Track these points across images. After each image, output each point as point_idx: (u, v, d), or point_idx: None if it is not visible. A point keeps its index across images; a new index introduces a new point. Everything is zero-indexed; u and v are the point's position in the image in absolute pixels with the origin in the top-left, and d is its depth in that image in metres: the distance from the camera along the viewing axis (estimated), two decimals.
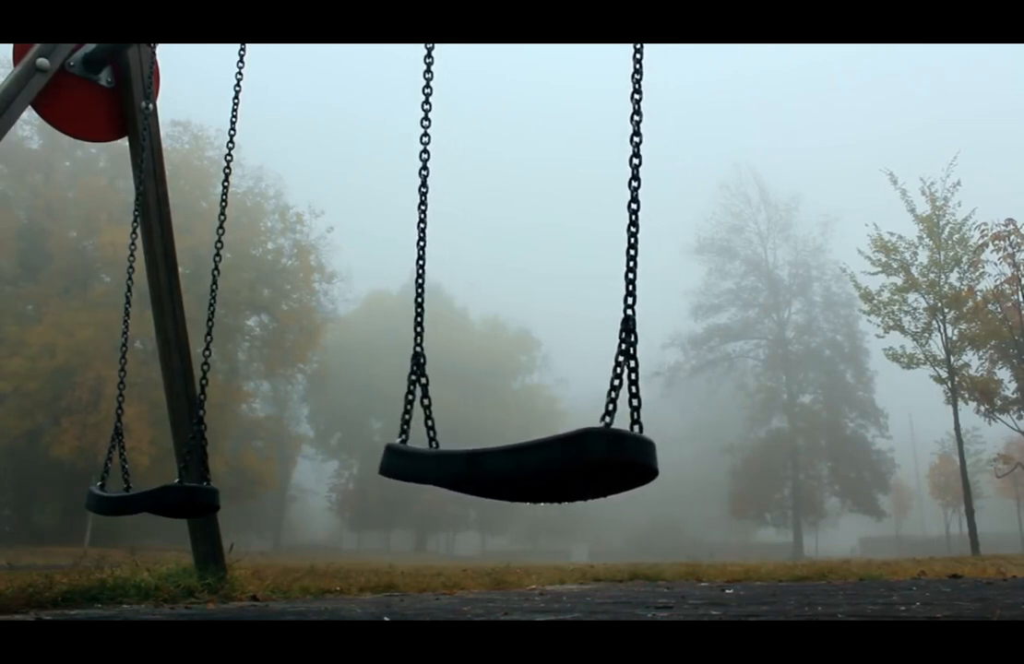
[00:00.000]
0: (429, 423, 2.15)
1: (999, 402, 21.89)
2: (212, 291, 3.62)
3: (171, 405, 4.59)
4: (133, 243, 4.05)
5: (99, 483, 3.73)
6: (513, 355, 60.96)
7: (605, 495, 1.89)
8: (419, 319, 2.28)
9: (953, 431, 22.11)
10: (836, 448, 46.46)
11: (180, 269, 4.79)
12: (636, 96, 1.97)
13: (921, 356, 22.19)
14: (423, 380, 2.17)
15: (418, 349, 2.20)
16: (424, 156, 2.43)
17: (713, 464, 48.84)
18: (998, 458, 26.12)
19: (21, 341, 29.05)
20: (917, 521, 63.40)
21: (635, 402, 1.73)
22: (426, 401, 2.16)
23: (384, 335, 55.71)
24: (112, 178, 33.08)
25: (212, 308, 3.61)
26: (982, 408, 22.11)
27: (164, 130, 4.97)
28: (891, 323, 22.55)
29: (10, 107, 3.95)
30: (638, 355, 1.77)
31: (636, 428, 1.71)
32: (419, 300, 2.31)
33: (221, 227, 3.62)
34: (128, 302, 4.04)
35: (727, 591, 5.17)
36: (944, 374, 21.84)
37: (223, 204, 3.64)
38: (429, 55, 2.47)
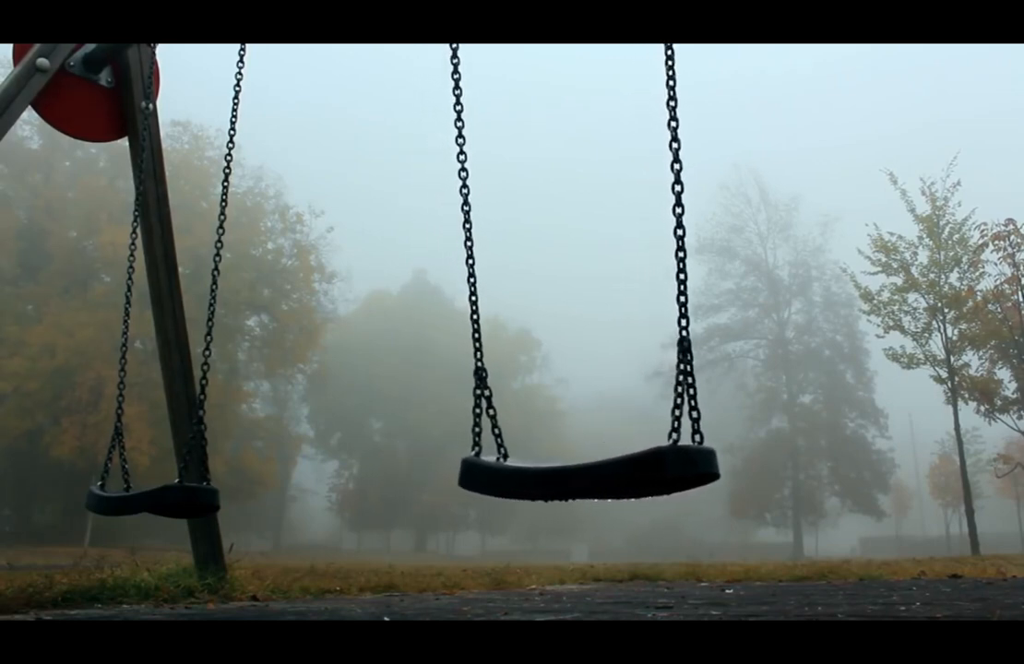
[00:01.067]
0: (496, 431, 2.20)
1: (999, 402, 21.89)
2: (212, 291, 3.61)
3: (171, 405, 4.59)
4: (133, 243, 4.05)
5: (99, 483, 3.73)
6: (513, 355, 60.92)
7: (668, 493, 2.00)
8: (477, 335, 2.34)
9: (953, 431, 22.11)
10: (836, 448, 46.45)
11: (180, 269, 4.79)
12: (673, 123, 2.02)
13: (921, 356, 22.20)
14: (487, 392, 2.22)
15: (479, 363, 2.25)
16: (463, 174, 2.44)
17: None
18: (998, 458, 26.13)
19: (21, 341, 29.06)
20: (917, 521, 63.39)
21: (694, 415, 1.87)
22: (492, 412, 2.21)
23: (384, 335, 55.72)
24: (112, 178, 33.09)
25: (212, 308, 3.61)
26: (982, 408, 22.11)
27: (164, 130, 4.97)
28: (891, 323, 22.55)
29: (10, 107, 3.95)
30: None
31: (697, 438, 1.86)
32: (475, 317, 2.38)
33: (221, 227, 3.62)
34: (128, 302, 4.03)
35: (727, 591, 5.17)
36: (944, 374, 21.84)
37: (223, 204, 3.63)
38: (456, 71, 2.45)
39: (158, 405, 18.67)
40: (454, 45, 2.45)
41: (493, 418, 2.22)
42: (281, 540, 50.22)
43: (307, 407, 54.34)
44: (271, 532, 50.63)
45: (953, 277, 22.04)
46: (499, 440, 2.18)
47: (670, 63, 2.04)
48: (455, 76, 2.46)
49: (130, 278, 4.11)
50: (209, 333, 3.57)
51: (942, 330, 21.98)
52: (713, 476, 1.85)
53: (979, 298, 21.70)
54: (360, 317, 55.89)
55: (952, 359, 21.77)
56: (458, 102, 2.46)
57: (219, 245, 3.59)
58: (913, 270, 22.42)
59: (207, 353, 3.49)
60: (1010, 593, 4.36)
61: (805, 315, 50.51)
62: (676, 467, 1.79)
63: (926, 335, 22.14)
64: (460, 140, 2.45)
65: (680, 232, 1.97)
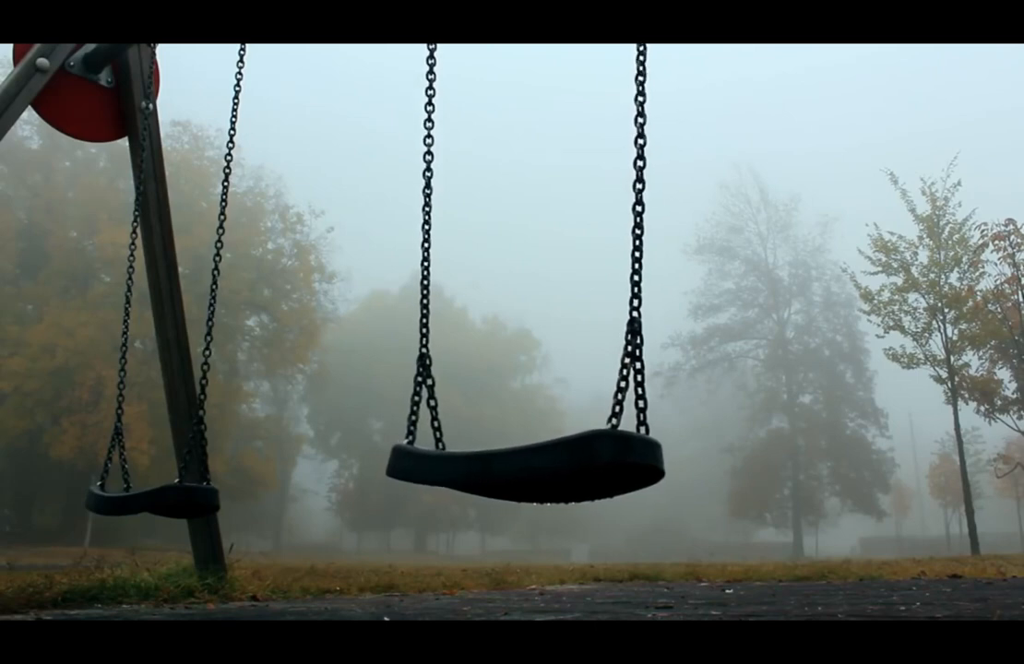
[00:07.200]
0: (435, 424, 2.15)
1: (999, 402, 21.89)
2: (212, 291, 3.61)
3: (171, 405, 4.59)
4: (133, 243, 4.05)
5: (99, 483, 3.73)
6: (513, 355, 60.93)
7: (612, 496, 1.88)
8: (425, 321, 2.28)
9: (953, 431, 22.10)
10: (836, 448, 46.44)
11: (180, 269, 4.78)
12: (640, 98, 1.98)
13: (921, 356, 22.19)
14: (429, 381, 2.17)
15: (424, 350, 2.20)
16: (428, 157, 2.42)
17: (713, 464, 48.83)
18: (998, 458, 26.17)
19: (21, 341, 29.06)
20: (917, 521, 63.38)
21: (641, 404, 1.71)
22: (432, 402, 2.15)
23: (384, 335, 55.68)
24: (112, 178, 33.08)
25: (212, 308, 3.61)
26: (982, 408, 22.12)
27: (164, 130, 4.97)
28: (891, 323, 22.54)
29: (10, 107, 3.95)
30: (641, 355, 1.78)
31: (642, 429, 1.70)
32: (424, 302, 2.32)
33: (221, 227, 3.62)
34: (128, 302, 4.04)
35: (727, 591, 5.17)
36: (944, 374, 21.83)
37: (223, 204, 3.64)
38: (431, 56, 2.46)
39: (158, 405, 18.66)
40: (431, 45, 2.45)
41: (434, 409, 2.14)
42: (281, 540, 50.20)
43: (307, 407, 54.36)
44: (271, 532, 50.63)
45: (953, 277, 22.04)
46: (438, 433, 2.12)
47: (641, 59, 2.01)
48: (430, 60, 2.45)
49: (130, 278, 4.11)
50: (209, 333, 3.58)
51: (942, 330, 21.98)
52: (656, 470, 1.68)
53: (979, 298, 21.69)
54: (360, 317, 55.88)
55: (952, 359, 21.76)
56: (431, 86, 2.45)
57: (219, 245, 3.60)
58: (913, 270, 22.42)
59: (207, 353, 3.49)
60: (1010, 593, 4.36)
61: (805, 315, 50.52)
62: (610, 453, 1.60)
63: (926, 335, 22.14)
64: (428, 124, 2.43)
65: (639, 208, 1.88)
